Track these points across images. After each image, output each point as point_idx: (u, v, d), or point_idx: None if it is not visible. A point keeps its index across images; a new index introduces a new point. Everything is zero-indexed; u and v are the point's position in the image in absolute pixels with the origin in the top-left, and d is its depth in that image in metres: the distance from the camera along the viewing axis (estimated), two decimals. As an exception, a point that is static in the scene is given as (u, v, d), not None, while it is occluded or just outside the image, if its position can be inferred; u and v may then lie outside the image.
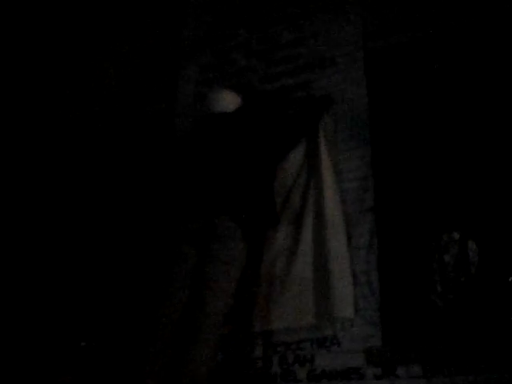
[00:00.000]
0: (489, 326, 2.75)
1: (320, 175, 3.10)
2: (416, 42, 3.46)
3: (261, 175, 2.97)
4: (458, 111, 3.22)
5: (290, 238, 3.13)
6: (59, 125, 4.52)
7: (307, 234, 3.07)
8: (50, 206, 4.22)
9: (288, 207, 3.20)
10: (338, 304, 2.83)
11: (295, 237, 3.12)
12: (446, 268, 2.96)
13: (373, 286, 2.94)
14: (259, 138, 3.00)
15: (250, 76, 3.83)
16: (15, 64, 5.01)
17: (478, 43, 3.32)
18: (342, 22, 3.65)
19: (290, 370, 2.95)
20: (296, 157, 3.27)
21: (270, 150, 3.04)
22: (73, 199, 4.20)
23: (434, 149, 3.19)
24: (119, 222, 3.93)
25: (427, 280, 2.97)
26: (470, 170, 3.06)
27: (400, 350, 2.79)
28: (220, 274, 2.72)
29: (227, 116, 3.13)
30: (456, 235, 3.00)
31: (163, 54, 4.38)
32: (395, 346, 2.82)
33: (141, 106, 4.25)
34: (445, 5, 3.43)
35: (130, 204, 3.94)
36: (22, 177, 4.40)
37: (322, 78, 3.55)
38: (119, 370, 3.39)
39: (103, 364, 3.55)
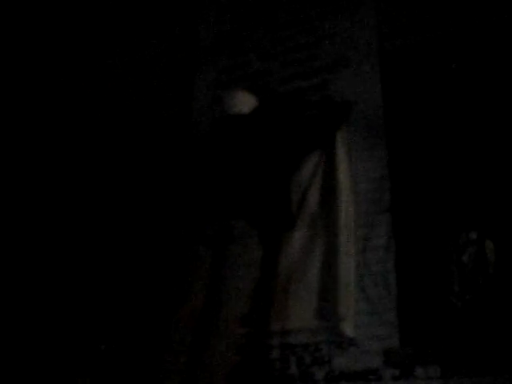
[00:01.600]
0: (507, 327, 2.72)
1: (336, 180, 3.10)
2: (431, 42, 3.45)
3: (277, 178, 2.97)
4: (474, 111, 3.20)
5: (306, 242, 3.14)
6: (79, 128, 4.56)
7: (321, 238, 3.09)
8: (70, 209, 4.27)
9: (304, 211, 3.20)
10: (338, 318, 2.84)
11: (310, 240, 3.12)
12: (464, 268, 2.94)
13: (390, 286, 2.92)
14: (276, 141, 3.00)
15: (266, 78, 3.84)
16: (41, 68, 5.08)
17: (496, 43, 3.29)
18: (357, 24, 3.65)
19: (308, 372, 2.94)
20: (312, 160, 3.27)
21: (287, 153, 3.04)
22: (92, 201, 4.24)
23: (451, 149, 3.17)
24: (138, 225, 3.95)
25: (445, 280, 2.95)
26: (487, 169, 3.04)
27: (418, 350, 2.77)
28: (237, 276, 2.73)
29: (244, 118, 3.13)
30: (473, 235, 2.98)
31: (180, 56, 4.41)
32: (413, 347, 2.80)
33: (158, 109, 4.28)
34: (461, 4, 3.42)
35: (148, 206, 3.96)
36: (47, 178, 4.47)
37: (337, 80, 3.55)
38: (137, 373, 3.41)
39: (121, 367, 3.57)
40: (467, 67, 3.33)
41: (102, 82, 4.67)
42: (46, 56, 5.08)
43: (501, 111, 3.13)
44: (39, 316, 3.95)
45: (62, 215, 4.30)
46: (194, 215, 2.95)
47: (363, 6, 3.69)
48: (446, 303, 2.91)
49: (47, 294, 4.01)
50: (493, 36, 3.31)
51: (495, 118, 3.13)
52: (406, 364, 2.74)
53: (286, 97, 3.62)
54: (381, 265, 2.98)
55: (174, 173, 3.82)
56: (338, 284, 2.89)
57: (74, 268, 4.02)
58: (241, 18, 4.22)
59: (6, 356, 3.71)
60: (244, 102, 3.20)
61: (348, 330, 2.84)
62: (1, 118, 4.74)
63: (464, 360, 2.64)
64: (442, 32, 3.42)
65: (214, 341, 2.64)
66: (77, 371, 3.63)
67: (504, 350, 2.61)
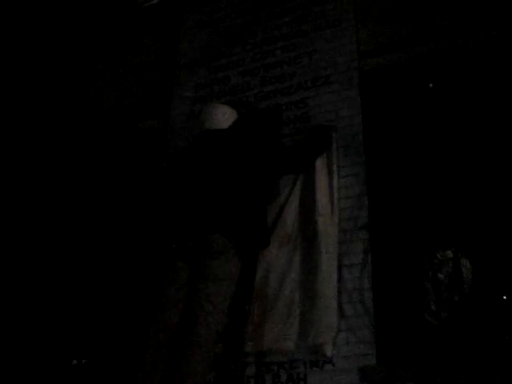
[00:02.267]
0: (482, 344, 2.73)
1: (313, 200, 3.10)
2: (409, 61, 3.50)
3: (254, 194, 2.95)
4: (451, 129, 3.24)
5: (282, 259, 3.11)
6: (57, 137, 4.54)
7: (297, 256, 3.07)
8: (45, 228, 4.22)
9: (280, 228, 3.18)
10: (319, 339, 2.81)
11: (287, 260, 3.10)
12: (440, 286, 2.94)
13: (367, 303, 2.91)
14: (255, 158, 2.98)
15: (245, 94, 3.84)
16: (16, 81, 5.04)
17: (473, 62, 3.34)
18: (336, 42, 3.68)
19: (284, 389, 2.91)
20: (290, 179, 3.26)
21: (265, 169, 3.02)
22: (71, 213, 4.19)
23: (428, 167, 3.20)
24: (112, 239, 3.90)
25: (421, 298, 2.95)
26: (463, 188, 3.07)
27: (394, 368, 2.76)
28: (213, 291, 2.69)
29: (221, 133, 3.12)
30: (449, 253, 2.99)
31: (158, 71, 4.39)
32: (390, 365, 2.79)
33: (135, 123, 4.26)
34: (438, 25, 3.47)
35: (124, 220, 3.91)
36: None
37: (316, 97, 3.56)
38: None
39: (92, 382, 3.51)
40: (444, 86, 3.37)
41: (80, 94, 4.65)
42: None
43: (478, 130, 3.17)
44: (9, 332, 3.87)
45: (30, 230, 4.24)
46: (171, 229, 2.91)
47: (342, 25, 3.72)
48: (422, 321, 2.91)
49: (19, 309, 3.93)
50: (470, 56, 3.36)
51: (472, 138, 3.16)
52: (383, 382, 2.72)
53: (266, 112, 3.62)
54: (357, 282, 2.98)
55: (151, 187, 3.79)
56: (316, 305, 2.87)
57: (45, 281, 3.96)
58: (220, 33, 4.23)
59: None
60: (223, 117, 3.18)
61: (328, 351, 2.81)
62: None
63: (440, 378, 2.64)
64: (419, 51, 3.47)
65: (189, 357, 2.59)
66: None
67: (479, 367, 2.62)
